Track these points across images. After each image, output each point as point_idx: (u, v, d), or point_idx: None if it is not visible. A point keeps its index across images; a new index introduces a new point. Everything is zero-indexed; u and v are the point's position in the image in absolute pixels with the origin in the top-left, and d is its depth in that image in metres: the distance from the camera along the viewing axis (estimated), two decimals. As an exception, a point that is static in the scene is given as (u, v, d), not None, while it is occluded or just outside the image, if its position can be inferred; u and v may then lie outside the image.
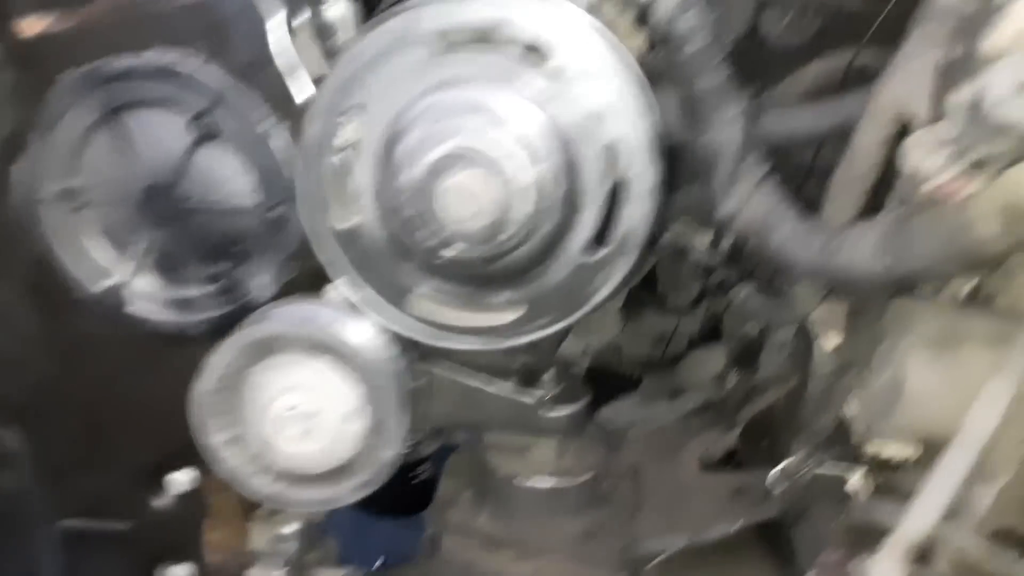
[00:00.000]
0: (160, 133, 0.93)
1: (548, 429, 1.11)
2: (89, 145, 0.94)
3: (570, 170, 0.82)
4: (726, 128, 0.86)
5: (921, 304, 0.97)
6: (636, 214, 0.84)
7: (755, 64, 1.17)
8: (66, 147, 0.94)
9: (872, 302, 1.01)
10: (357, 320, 0.94)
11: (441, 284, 0.89)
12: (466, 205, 0.80)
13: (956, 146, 0.61)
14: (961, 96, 0.62)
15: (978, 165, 0.60)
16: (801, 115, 1.04)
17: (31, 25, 0.91)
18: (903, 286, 0.75)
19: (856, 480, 1.17)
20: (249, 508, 1.26)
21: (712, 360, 1.51)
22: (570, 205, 0.83)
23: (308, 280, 0.96)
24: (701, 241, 1.25)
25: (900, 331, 0.96)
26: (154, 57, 0.90)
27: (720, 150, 0.86)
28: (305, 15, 0.90)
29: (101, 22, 0.89)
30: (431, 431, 1.36)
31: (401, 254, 0.87)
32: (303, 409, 0.95)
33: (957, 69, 0.67)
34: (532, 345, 1.33)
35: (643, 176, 0.83)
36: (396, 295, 0.90)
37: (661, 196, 0.86)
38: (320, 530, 1.32)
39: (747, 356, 1.50)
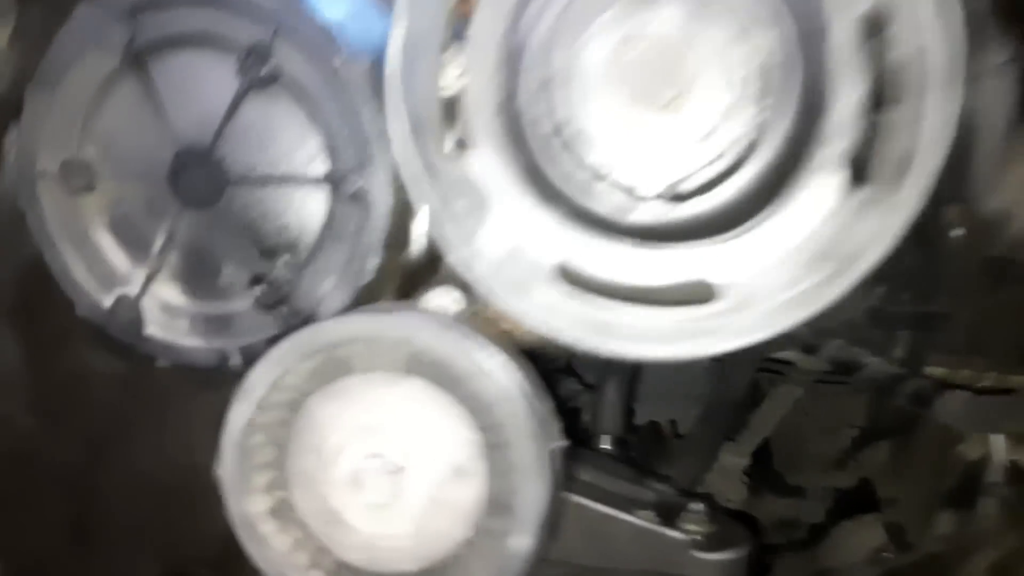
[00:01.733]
0: (197, 81, 0.73)
1: None
2: (104, 103, 0.75)
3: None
4: None
5: None
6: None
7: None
8: (75, 106, 0.75)
9: None
10: (469, 335, 0.64)
11: (600, 246, 0.61)
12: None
13: None
14: None
15: None
16: None
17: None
18: None
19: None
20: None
21: (864, 533, 1.26)
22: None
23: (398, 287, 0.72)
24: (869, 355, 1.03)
25: None
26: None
27: None
28: None
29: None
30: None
31: (539, 197, 0.59)
32: (388, 461, 0.63)
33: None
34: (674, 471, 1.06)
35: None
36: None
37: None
38: None
39: (963, 493, 1.19)
